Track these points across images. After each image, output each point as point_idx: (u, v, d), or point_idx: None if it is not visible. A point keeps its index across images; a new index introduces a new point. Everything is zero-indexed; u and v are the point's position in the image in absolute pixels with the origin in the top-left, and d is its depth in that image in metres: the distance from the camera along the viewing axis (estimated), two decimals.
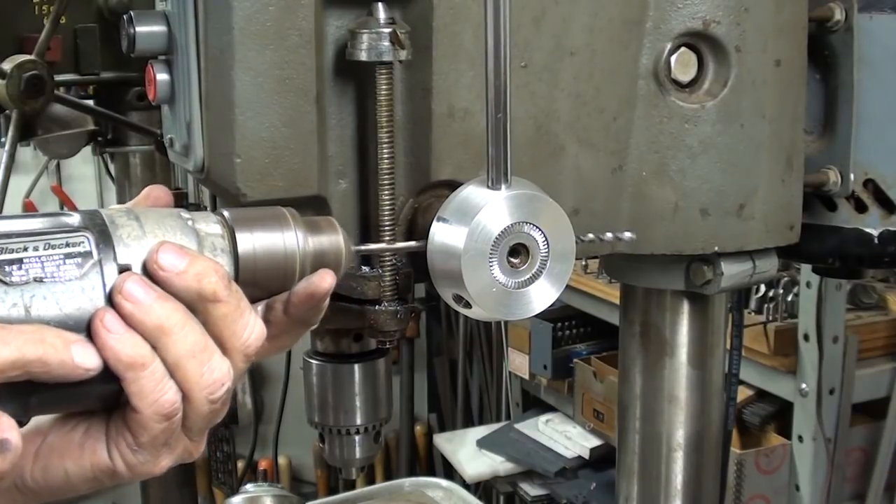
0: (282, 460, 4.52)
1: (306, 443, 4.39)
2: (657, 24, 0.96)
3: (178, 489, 2.73)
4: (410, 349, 4.60)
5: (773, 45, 0.98)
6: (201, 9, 0.84)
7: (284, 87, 0.84)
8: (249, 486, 1.99)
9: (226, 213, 0.76)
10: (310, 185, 0.87)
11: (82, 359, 0.66)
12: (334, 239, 0.79)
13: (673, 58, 0.97)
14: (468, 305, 0.83)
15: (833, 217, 1.07)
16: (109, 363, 0.67)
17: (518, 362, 3.58)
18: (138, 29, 0.88)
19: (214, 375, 0.70)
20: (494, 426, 3.78)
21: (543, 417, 3.60)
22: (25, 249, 0.66)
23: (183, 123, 0.89)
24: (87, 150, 2.65)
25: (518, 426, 3.64)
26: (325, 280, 0.76)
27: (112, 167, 3.05)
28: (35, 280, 0.66)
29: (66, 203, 4.58)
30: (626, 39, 0.95)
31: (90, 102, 2.50)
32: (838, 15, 1.02)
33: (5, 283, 0.65)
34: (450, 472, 3.75)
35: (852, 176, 1.04)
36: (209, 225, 0.74)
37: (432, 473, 4.24)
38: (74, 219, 0.70)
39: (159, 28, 0.89)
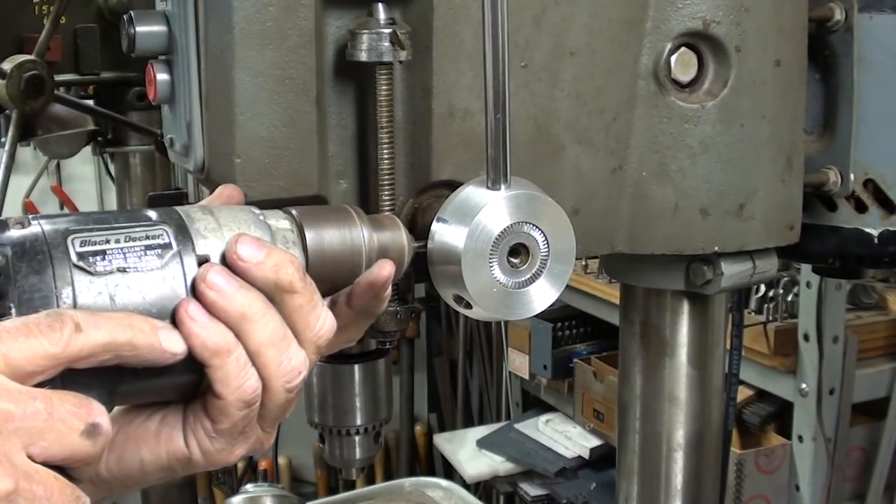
0: (282, 460, 4.52)
1: (306, 443, 4.39)
2: (657, 24, 0.96)
3: (178, 489, 2.73)
4: (410, 349, 4.61)
5: (773, 45, 0.98)
6: (201, 9, 0.84)
7: (284, 87, 0.84)
8: (249, 486, 1.98)
9: (294, 211, 0.78)
10: (310, 185, 0.87)
11: (169, 343, 0.68)
12: (397, 235, 0.81)
13: (673, 58, 0.97)
14: (468, 306, 0.83)
15: (833, 217, 1.07)
16: (195, 351, 0.69)
17: (518, 362, 3.58)
18: (138, 29, 0.88)
19: (292, 363, 0.72)
20: (494, 426, 3.78)
21: (543, 417, 3.61)
22: (107, 242, 0.69)
23: (183, 123, 0.89)
24: (87, 150, 2.65)
25: (518, 426, 3.64)
26: (385, 269, 0.78)
27: (112, 167, 3.05)
28: (118, 270, 0.68)
29: (66, 203, 4.58)
30: (626, 39, 0.95)
31: (90, 102, 2.50)
32: (838, 15, 1.02)
33: (90, 273, 0.67)
34: (450, 472, 3.75)
35: (852, 176, 1.04)
36: (279, 220, 0.77)
37: (432, 473, 4.24)
38: (152, 213, 0.72)
39: (159, 28, 0.89)
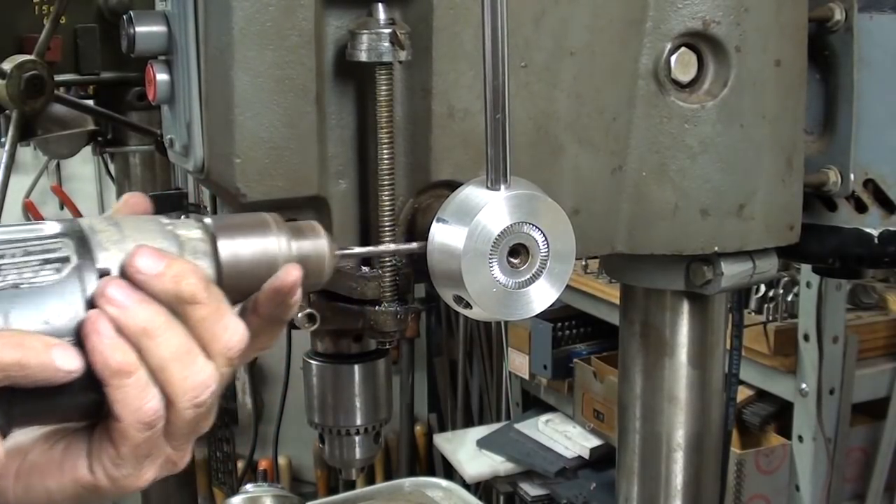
0: (282, 460, 4.52)
1: (306, 443, 4.39)
2: (657, 24, 0.96)
3: (178, 489, 2.73)
4: (410, 349, 4.60)
5: (773, 45, 0.98)
6: (201, 9, 0.84)
7: (284, 88, 0.84)
8: (249, 486, 1.98)
9: (207, 220, 0.75)
10: (310, 185, 0.87)
11: (63, 361, 0.65)
12: (318, 243, 0.78)
13: (673, 58, 0.97)
14: (468, 306, 0.83)
15: (833, 217, 1.07)
16: (97, 368, 0.66)
17: (518, 362, 3.58)
18: (138, 29, 0.88)
19: (199, 378, 0.69)
20: (494, 426, 3.78)
21: (543, 417, 3.60)
22: (2, 257, 0.67)
23: (183, 124, 0.89)
24: (87, 150, 2.65)
25: (518, 426, 3.63)
26: (291, 274, 0.74)
27: (112, 167, 3.05)
28: (13, 286, 0.66)
29: (66, 203, 4.58)
30: (626, 39, 0.95)
31: (90, 102, 2.50)
32: (838, 15, 1.02)
33: None
34: (450, 472, 3.75)
35: (852, 176, 1.04)
36: (190, 231, 0.74)
37: (432, 473, 4.24)
38: (53, 226, 0.70)
39: (159, 28, 0.89)
